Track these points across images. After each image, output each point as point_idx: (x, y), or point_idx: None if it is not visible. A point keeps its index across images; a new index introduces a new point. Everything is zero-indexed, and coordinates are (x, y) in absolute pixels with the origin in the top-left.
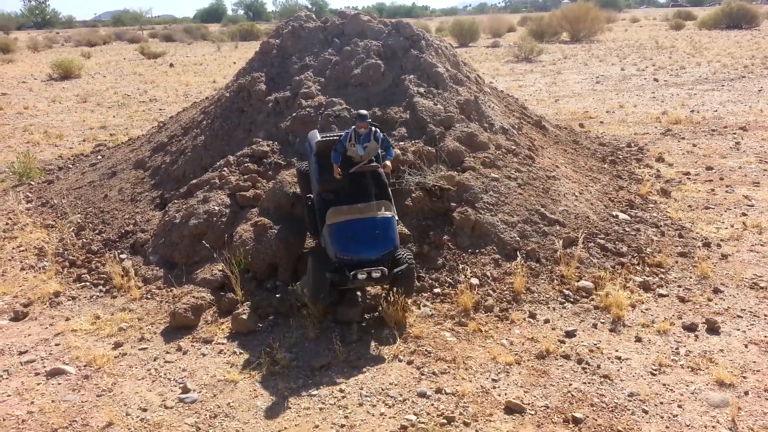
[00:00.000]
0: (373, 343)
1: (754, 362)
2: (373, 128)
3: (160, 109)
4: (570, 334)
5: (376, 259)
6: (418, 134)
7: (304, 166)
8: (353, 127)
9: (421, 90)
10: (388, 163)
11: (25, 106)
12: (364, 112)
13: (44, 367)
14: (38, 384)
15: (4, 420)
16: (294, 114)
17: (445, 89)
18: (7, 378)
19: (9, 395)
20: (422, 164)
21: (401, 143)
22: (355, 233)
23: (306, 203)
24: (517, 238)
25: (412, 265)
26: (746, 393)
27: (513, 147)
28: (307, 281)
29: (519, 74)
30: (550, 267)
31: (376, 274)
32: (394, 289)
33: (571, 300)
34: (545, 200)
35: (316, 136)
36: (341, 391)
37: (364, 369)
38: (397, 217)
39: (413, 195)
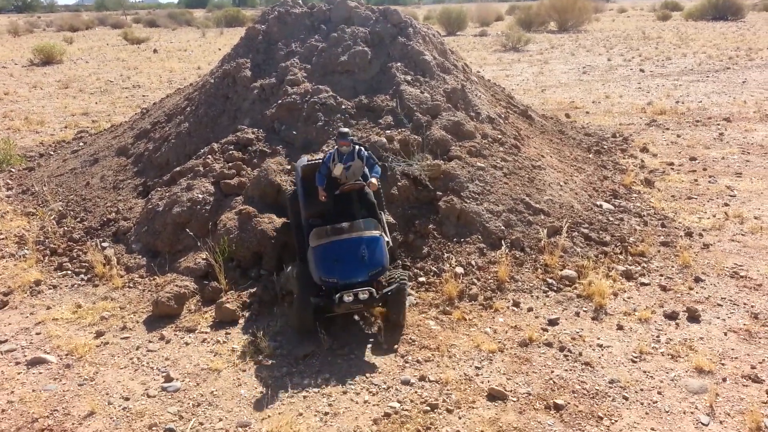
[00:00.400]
0: (357, 332)
1: (733, 350)
2: (357, 147)
3: (144, 96)
4: (553, 323)
5: (363, 281)
6: (405, 123)
7: (293, 191)
8: (335, 146)
9: (408, 78)
10: (374, 180)
11: (6, 92)
12: (345, 129)
13: (25, 356)
14: (19, 373)
15: None
16: (280, 101)
17: (432, 77)
18: None
19: None
20: (409, 153)
21: (387, 131)
22: (340, 255)
23: (295, 230)
24: (502, 227)
25: (404, 286)
26: (724, 380)
27: (499, 136)
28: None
29: (506, 64)
30: (534, 256)
31: (363, 296)
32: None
33: (555, 288)
34: (530, 189)
35: (303, 161)
36: (325, 379)
37: (348, 357)
38: (388, 238)
39: (399, 184)
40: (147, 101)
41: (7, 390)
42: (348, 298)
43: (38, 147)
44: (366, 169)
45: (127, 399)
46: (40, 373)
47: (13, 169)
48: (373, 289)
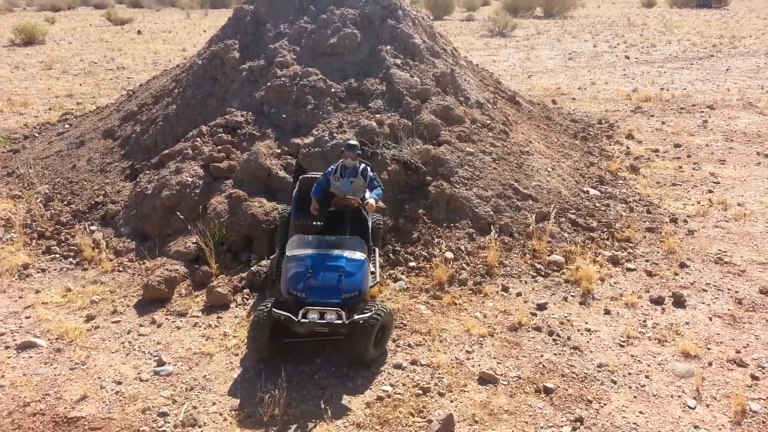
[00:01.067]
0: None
1: (718, 334)
2: (363, 164)
3: (128, 78)
4: (541, 307)
5: (334, 302)
6: (394, 106)
7: (282, 208)
8: (341, 160)
9: (398, 61)
10: (371, 201)
11: None
12: (354, 142)
13: (14, 340)
14: (9, 357)
15: None
16: (269, 84)
17: (422, 61)
18: None
19: None
20: (398, 137)
21: (377, 115)
22: (315, 269)
23: (278, 255)
24: (491, 212)
25: (377, 319)
26: (710, 364)
27: (488, 121)
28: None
29: (493, 49)
30: (522, 241)
31: (330, 317)
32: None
33: (543, 274)
34: (519, 175)
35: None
36: (317, 363)
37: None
38: (374, 269)
39: (389, 168)
40: (132, 83)
41: None
42: (313, 315)
43: (22, 129)
44: (367, 191)
45: (119, 383)
46: (31, 357)
47: None
48: (343, 312)
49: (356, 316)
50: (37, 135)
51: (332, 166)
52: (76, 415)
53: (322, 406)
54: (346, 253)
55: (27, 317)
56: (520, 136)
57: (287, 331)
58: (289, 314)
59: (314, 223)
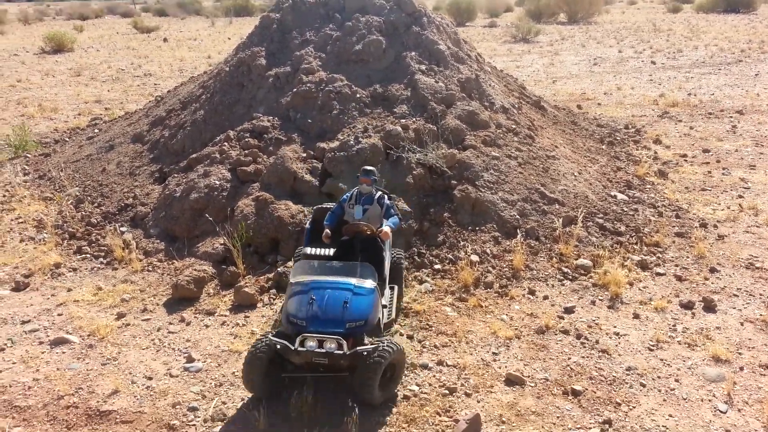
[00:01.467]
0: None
1: (749, 339)
2: (380, 192)
3: (155, 84)
4: (569, 311)
5: (337, 332)
6: (419, 112)
7: (308, 211)
8: (356, 187)
9: (423, 67)
10: (386, 229)
11: (18, 79)
12: (370, 168)
13: (48, 336)
14: (42, 353)
15: (10, 386)
16: (295, 89)
17: (447, 67)
18: (11, 346)
19: (14, 363)
20: (423, 142)
21: (402, 120)
22: (318, 296)
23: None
24: (517, 216)
25: (383, 356)
26: (741, 369)
27: (513, 126)
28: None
29: (516, 55)
30: (549, 245)
31: (329, 345)
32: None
33: (570, 277)
34: (545, 179)
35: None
36: None
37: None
38: (386, 302)
39: (414, 172)
40: (159, 89)
41: (33, 368)
42: (311, 344)
43: (53, 134)
44: (384, 220)
45: (150, 378)
46: (64, 352)
47: (29, 155)
48: (344, 342)
49: (359, 348)
50: (67, 139)
51: (347, 194)
52: (108, 408)
53: (350, 404)
54: (354, 280)
55: (59, 314)
56: (546, 141)
57: (288, 365)
58: (286, 342)
59: (324, 252)
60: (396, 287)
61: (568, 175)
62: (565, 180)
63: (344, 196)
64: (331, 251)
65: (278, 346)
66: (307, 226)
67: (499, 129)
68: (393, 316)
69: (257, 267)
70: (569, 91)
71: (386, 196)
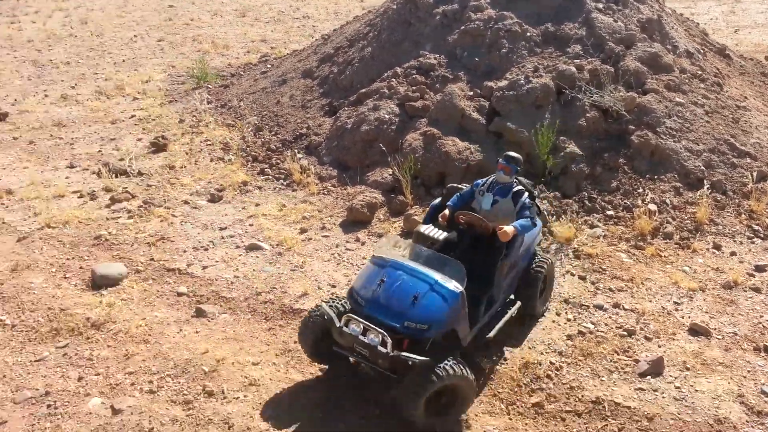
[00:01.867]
0: None
1: None
2: (520, 187)
3: (314, 26)
4: (760, 269)
5: (389, 325)
6: (596, 52)
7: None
8: (495, 174)
9: (600, 5)
10: (507, 228)
11: (191, 18)
12: (515, 155)
13: (243, 242)
14: (239, 255)
15: (216, 280)
16: (462, 27)
17: (626, 6)
18: (213, 248)
19: (217, 261)
20: (599, 84)
21: (576, 60)
22: (391, 280)
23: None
24: (702, 167)
25: (438, 374)
26: None
27: (699, 72)
28: None
29: (690, 1)
30: (737, 200)
31: (372, 337)
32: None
33: (761, 236)
34: (735, 131)
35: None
36: None
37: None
38: (501, 321)
39: (588, 115)
40: (317, 31)
41: (233, 267)
42: (355, 328)
43: (228, 68)
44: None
45: (333, 286)
46: (257, 257)
47: (210, 86)
48: (389, 339)
49: (408, 355)
50: (242, 73)
51: (483, 179)
52: (299, 307)
53: (525, 333)
54: (438, 277)
55: (251, 225)
56: (735, 91)
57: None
58: (334, 315)
59: (436, 236)
60: (518, 303)
61: (761, 128)
62: (757, 133)
63: (478, 181)
64: (445, 236)
65: (326, 317)
66: (436, 202)
67: (683, 74)
68: (492, 336)
69: (423, 198)
70: (755, 41)
71: (527, 194)
